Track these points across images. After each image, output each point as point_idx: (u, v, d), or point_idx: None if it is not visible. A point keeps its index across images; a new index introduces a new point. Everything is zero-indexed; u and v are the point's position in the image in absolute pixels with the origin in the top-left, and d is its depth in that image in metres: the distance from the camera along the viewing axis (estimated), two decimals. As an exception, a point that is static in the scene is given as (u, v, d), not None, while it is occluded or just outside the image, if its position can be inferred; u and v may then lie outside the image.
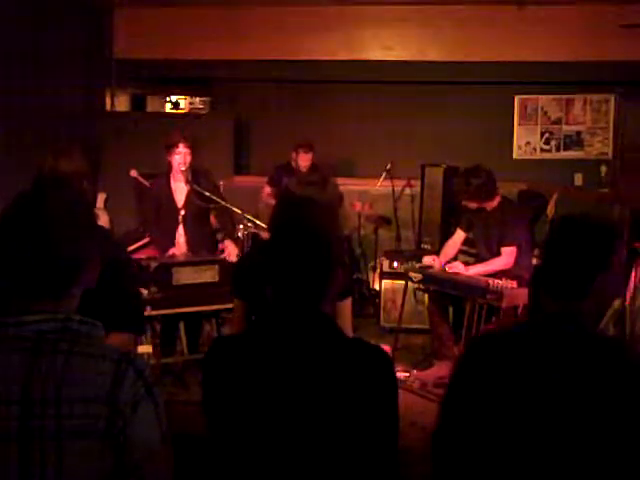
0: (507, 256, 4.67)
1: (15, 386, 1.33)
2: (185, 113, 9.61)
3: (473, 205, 4.81)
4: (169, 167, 4.93)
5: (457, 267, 4.83)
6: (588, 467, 1.60)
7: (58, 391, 1.32)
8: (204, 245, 5.02)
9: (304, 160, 6.48)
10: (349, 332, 2.96)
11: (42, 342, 1.36)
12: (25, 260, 1.39)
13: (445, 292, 4.82)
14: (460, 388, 1.78)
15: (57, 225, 1.42)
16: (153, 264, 4.44)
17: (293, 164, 6.56)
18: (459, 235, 5.11)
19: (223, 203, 4.96)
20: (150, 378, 1.41)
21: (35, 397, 1.32)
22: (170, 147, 4.84)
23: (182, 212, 4.94)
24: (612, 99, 7.47)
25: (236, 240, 5.25)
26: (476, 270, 4.74)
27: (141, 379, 1.39)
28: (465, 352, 1.88)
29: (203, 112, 9.53)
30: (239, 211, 5.05)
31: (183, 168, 4.85)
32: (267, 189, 6.62)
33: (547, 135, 7.62)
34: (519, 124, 7.65)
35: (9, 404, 1.32)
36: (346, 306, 2.93)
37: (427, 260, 5.09)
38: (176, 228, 4.96)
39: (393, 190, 7.07)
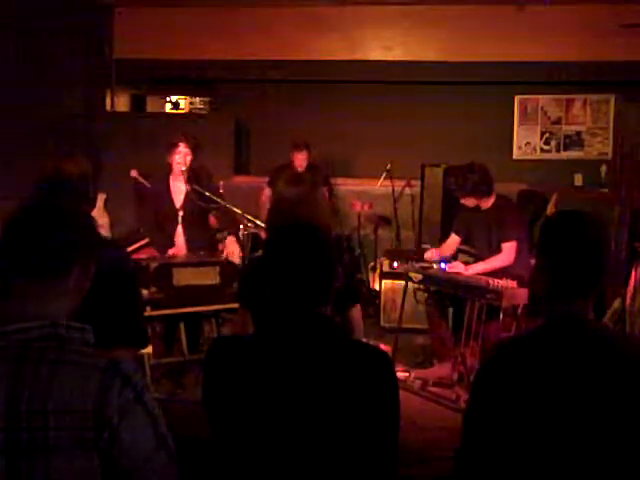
0: (507, 252, 4.65)
1: (0, 398, 1.30)
2: (185, 113, 9.62)
3: (470, 202, 4.79)
4: (169, 167, 4.94)
5: (458, 267, 4.81)
6: None
7: (45, 402, 1.30)
8: (203, 245, 5.02)
9: (299, 160, 6.52)
10: (361, 336, 2.96)
11: (27, 351, 1.33)
12: (18, 244, 1.40)
13: (445, 292, 4.82)
14: (483, 402, 1.68)
15: (53, 217, 1.43)
16: (153, 264, 4.44)
17: (292, 165, 6.58)
18: (453, 240, 5.09)
19: (223, 203, 4.96)
20: (140, 384, 1.37)
21: (21, 409, 1.29)
22: (171, 147, 4.85)
23: (181, 212, 4.95)
24: (612, 99, 7.47)
25: (237, 240, 5.25)
26: (477, 269, 4.72)
27: (129, 386, 1.35)
28: (484, 364, 1.76)
29: (203, 112, 9.54)
30: (239, 211, 5.05)
31: (183, 168, 4.87)
32: (267, 191, 6.62)
33: (547, 135, 7.62)
34: (519, 124, 7.65)
35: None
36: (357, 311, 2.94)
37: (428, 255, 5.06)
38: (175, 228, 4.96)
39: (393, 190, 7.07)
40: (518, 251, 4.65)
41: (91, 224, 1.55)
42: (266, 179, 6.73)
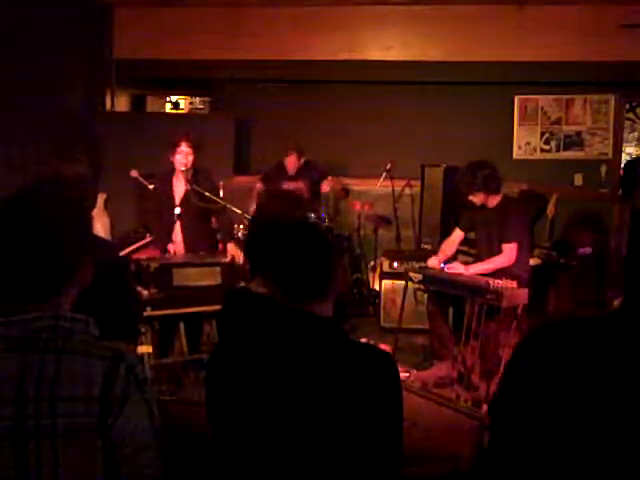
0: (508, 253, 4.65)
1: (8, 386, 1.33)
2: (185, 113, 9.62)
3: (478, 199, 4.78)
4: (172, 166, 4.98)
5: (457, 267, 4.81)
6: None
7: (52, 390, 1.33)
8: (202, 244, 5.04)
9: (289, 163, 6.60)
10: None
11: (33, 341, 1.36)
12: (18, 263, 1.39)
13: (445, 292, 4.82)
14: (515, 392, 1.54)
15: (49, 228, 1.42)
16: (153, 264, 4.44)
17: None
18: (457, 234, 5.09)
19: (223, 203, 4.97)
20: (141, 374, 1.41)
21: (29, 396, 1.33)
22: (173, 146, 4.90)
23: (177, 210, 4.98)
24: (612, 99, 7.47)
25: (236, 240, 5.27)
26: (477, 269, 4.72)
27: (132, 374, 1.39)
28: (521, 347, 1.59)
29: (203, 112, 9.54)
30: (239, 211, 5.06)
31: (183, 168, 4.93)
32: (258, 185, 6.68)
33: (547, 135, 7.62)
34: (519, 124, 7.64)
35: (2, 404, 1.33)
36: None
37: (432, 263, 5.03)
38: (173, 226, 5.01)
39: (393, 190, 7.07)
40: (519, 252, 4.66)
41: (82, 219, 1.53)
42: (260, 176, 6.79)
